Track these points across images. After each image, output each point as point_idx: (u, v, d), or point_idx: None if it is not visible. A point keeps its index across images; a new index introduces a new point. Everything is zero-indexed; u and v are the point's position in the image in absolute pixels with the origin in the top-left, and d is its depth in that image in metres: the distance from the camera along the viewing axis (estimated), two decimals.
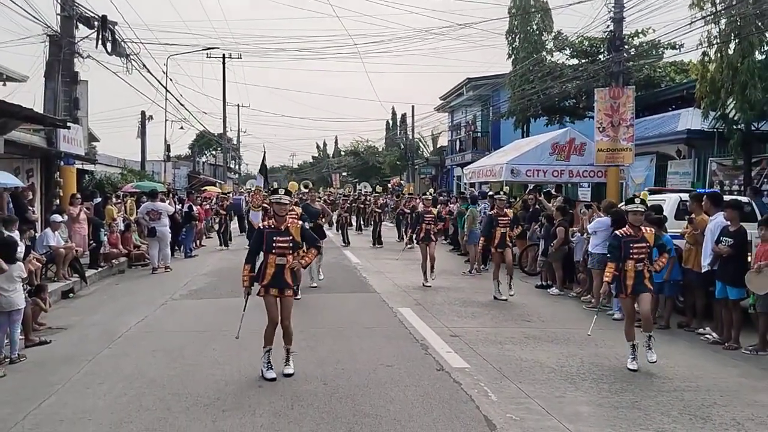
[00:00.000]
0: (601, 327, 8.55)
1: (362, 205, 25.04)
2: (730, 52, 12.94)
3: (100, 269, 13.31)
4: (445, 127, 41.93)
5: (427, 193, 14.19)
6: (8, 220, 8.99)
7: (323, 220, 12.95)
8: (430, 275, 12.17)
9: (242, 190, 30.17)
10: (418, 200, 17.98)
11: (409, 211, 21.03)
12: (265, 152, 22.47)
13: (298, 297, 6.50)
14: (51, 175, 14.88)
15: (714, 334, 8.00)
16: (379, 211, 21.50)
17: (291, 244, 6.28)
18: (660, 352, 7.17)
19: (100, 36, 15.25)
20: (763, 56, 12.82)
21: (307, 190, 14.13)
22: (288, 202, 6.46)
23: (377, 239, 20.14)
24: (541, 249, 12.45)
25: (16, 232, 9.13)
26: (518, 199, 17.16)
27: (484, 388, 5.88)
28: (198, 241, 19.51)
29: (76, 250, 11.97)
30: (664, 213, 9.53)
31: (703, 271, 8.19)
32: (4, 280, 6.88)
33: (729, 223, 7.83)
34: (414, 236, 12.56)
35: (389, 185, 38.64)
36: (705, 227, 8.26)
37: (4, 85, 18.80)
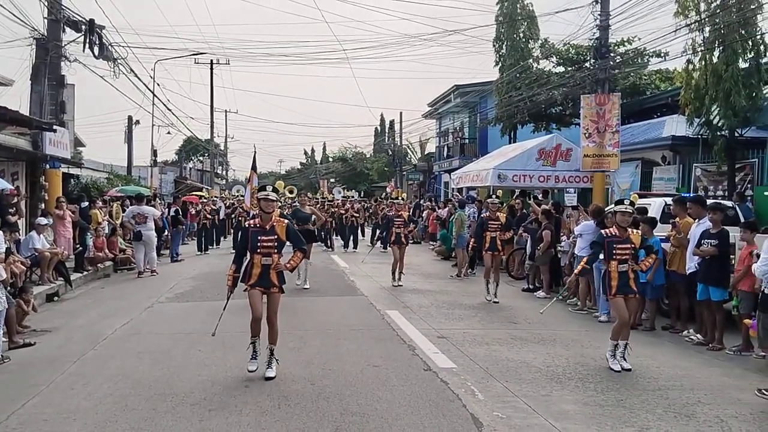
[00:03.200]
0: (587, 328, 8.67)
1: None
2: (714, 59, 13.13)
3: (85, 273, 13.20)
4: (433, 134, 42.07)
5: (399, 198, 14.37)
6: None
7: (313, 225, 12.98)
8: (398, 278, 12.44)
9: (224, 195, 29.69)
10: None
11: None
12: (255, 152, 22.50)
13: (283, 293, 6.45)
14: (36, 179, 14.76)
15: (698, 336, 8.08)
16: (357, 215, 21.60)
17: (276, 243, 6.26)
18: (645, 353, 7.28)
19: (87, 40, 15.23)
20: (747, 64, 13.01)
21: (292, 195, 14.13)
22: (275, 199, 6.42)
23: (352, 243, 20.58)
24: (528, 252, 12.52)
25: None
26: (504, 204, 17.30)
27: (471, 387, 5.89)
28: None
29: (62, 254, 11.87)
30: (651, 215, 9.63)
31: (688, 273, 8.27)
32: None
33: (711, 225, 7.92)
34: (386, 239, 12.73)
35: (388, 191, 38.51)
36: (689, 230, 8.36)
37: None
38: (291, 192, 14.69)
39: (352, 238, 20.81)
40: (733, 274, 7.72)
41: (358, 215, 21.65)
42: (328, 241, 20.75)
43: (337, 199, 23.09)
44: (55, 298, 11.03)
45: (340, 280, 13.31)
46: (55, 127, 13.79)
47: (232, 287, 6.34)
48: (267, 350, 6.26)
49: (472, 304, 10.54)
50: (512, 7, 24.30)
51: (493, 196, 11.74)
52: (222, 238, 22.44)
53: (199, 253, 19.09)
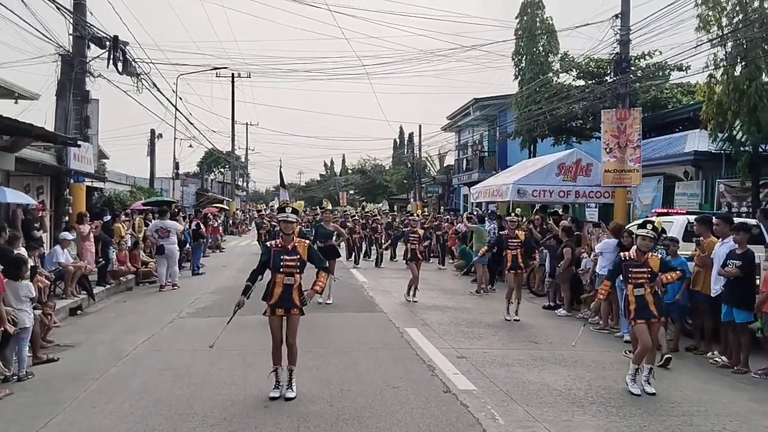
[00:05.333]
0: (609, 349, 8.56)
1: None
2: (737, 74, 12.98)
3: (108, 286, 13.35)
4: (452, 147, 42.04)
5: (414, 215, 14.34)
6: (12, 238, 9.06)
7: (337, 241, 13.03)
8: (413, 294, 12.47)
9: (259, 208, 29.84)
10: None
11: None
12: (281, 167, 22.80)
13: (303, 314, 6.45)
14: (61, 193, 15.01)
15: (723, 358, 7.94)
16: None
17: (299, 264, 6.29)
18: (668, 375, 7.19)
19: (112, 56, 15.45)
20: None
21: (321, 210, 14.14)
22: (295, 220, 6.45)
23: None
24: (548, 270, 12.43)
25: (23, 249, 9.22)
26: (524, 220, 17.21)
27: (491, 410, 5.84)
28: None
29: (85, 268, 12.03)
30: (673, 235, 9.52)
31: (713, 294, 8.12)
32: (12, 299, 6.94)
33: (737, 246, 7.80)
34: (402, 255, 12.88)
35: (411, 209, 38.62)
36: (713, 250, 8.22)
37: (16, 103, 18.94)
38: (321, 207, 14.37)
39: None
40: (758, 295, 7.60)
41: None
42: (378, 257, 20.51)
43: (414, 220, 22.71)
44: (78, 312, 11.15)
45: (359, 296, 13.30)
46: (79, 142, 14.00)
47: (240, 304, 6.32)
48: (287, 370, 6.25)
49: (493, 322, 10.47)
50: (531, 21, 24.29)
51: (512, 214, 11.65)
52: None
53: None
